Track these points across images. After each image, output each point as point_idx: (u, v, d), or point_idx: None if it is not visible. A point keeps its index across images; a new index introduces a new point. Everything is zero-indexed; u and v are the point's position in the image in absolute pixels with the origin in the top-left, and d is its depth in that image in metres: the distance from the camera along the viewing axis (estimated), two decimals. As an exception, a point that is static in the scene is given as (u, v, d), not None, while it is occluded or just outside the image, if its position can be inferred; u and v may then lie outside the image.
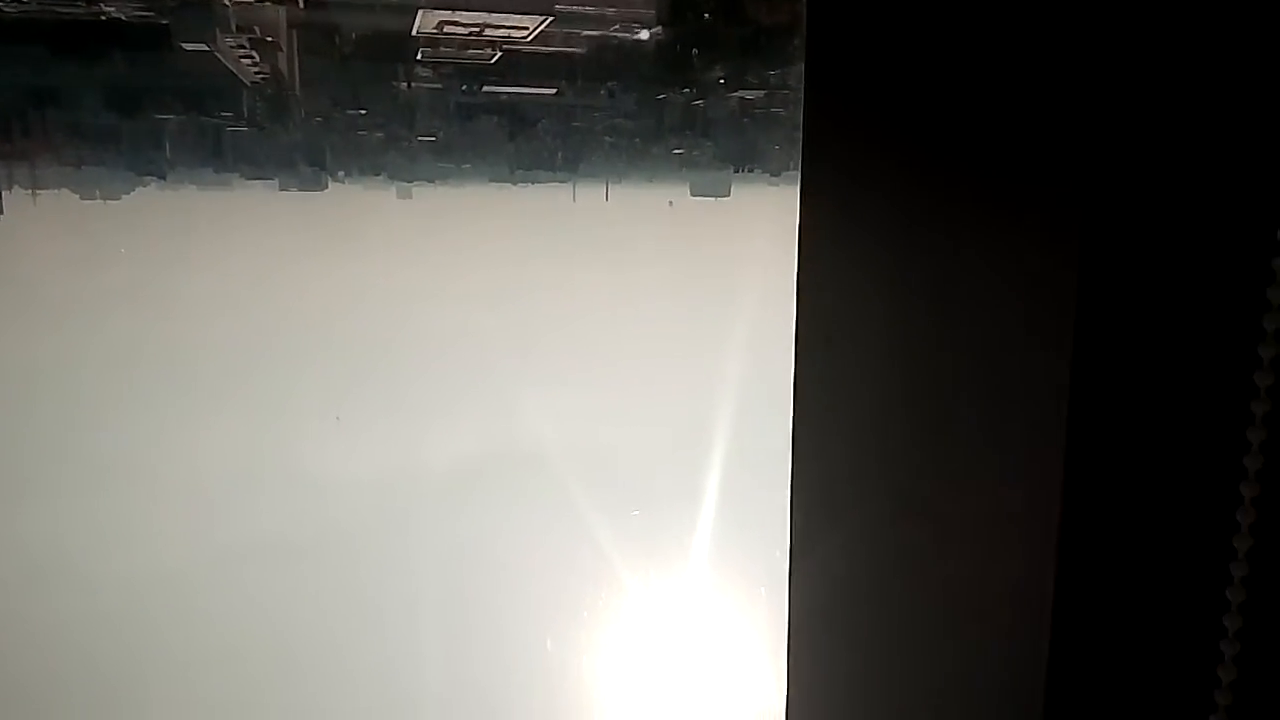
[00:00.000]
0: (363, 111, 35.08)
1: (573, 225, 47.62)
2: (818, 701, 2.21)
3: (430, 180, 41.63)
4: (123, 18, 26.14)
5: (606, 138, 37.66)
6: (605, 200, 44.27)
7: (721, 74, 31.10)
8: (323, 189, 38.87)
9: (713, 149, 37.96)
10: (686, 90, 32.58)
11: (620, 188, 44.40)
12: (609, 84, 32.49)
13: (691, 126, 35.47)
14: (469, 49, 29.75)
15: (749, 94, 32.26)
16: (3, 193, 35.22)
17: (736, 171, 39.19)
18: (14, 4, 24.07)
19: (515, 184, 42.79)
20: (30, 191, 36.46)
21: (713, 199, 41.20)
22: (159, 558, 33.93)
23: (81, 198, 38.23)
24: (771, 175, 39.48)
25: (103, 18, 25.92)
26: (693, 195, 41.45)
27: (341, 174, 39.24)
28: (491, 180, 42.62)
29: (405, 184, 41.80)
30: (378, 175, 40.62)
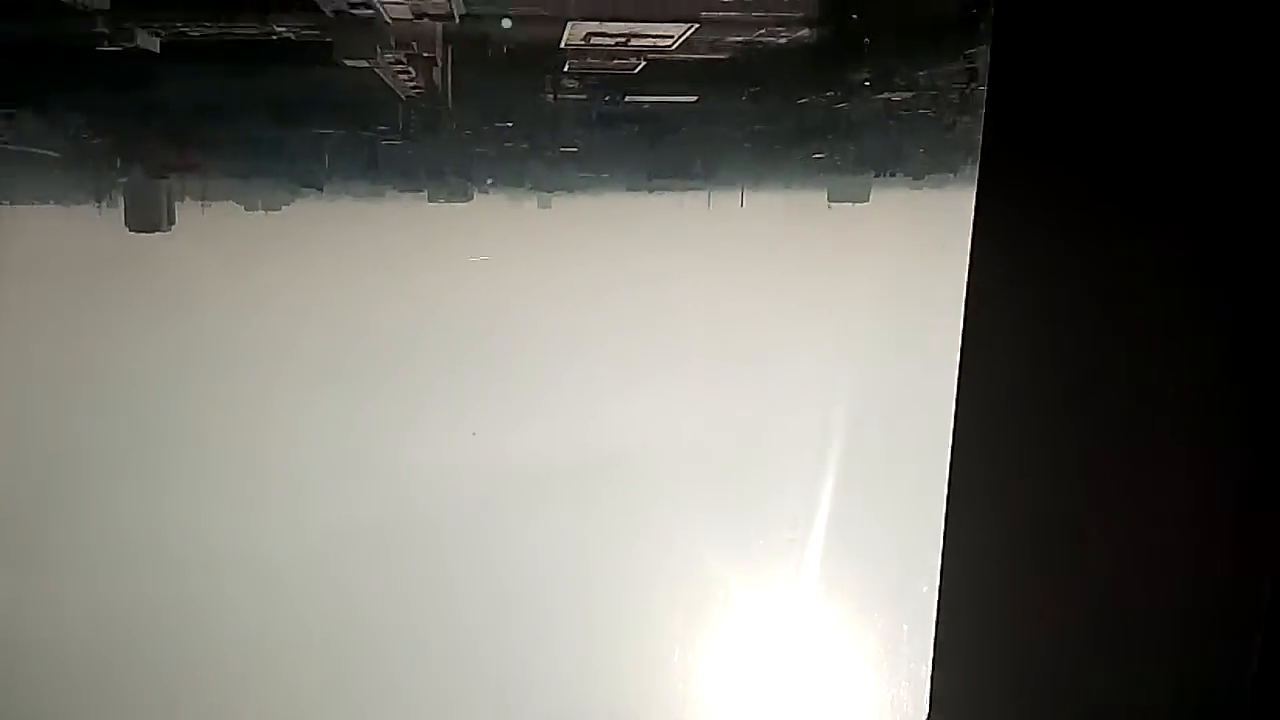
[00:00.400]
0: (509, 124, 36.06)
1: (707, 231, 47.80)
2: (970, 704, 2.17)
3: (570, 190, 42.44)
4: (292, 37, 27.62)
5: (745, 144, 37.63)
6: (740, 206, 44.25)
7: (867, 76, 30.73)
8: (469, 199, 40.11)
9: (854, 153, 37.48)
10: (830, 93, 32.30)
11: (756, 193, 44.28)
12: (751, 89, 32.48)
13: (833, 130, 35.09)
14: (614, 59, 30.26)
15: (895, 96, 31.75)
16: (175, 204, 37.61)
17: (878, 176, 38.57)
18: (198, 26, 25.68)
19: (651, 192, 43.22)
20: (200, 203, 38.83)
21: (851, 204, 40.68)
22: (282, 542, 35.54)
23: (246, 208, 40.51)
24: (914, 179, 38.69)
25: (274, 37, 27.45)
26: (831, 201, 40.98)
27: (488, 184, 40.43)
28: (628, 188, 43.16)
29: (546, 194, 42.74)
30: (521, 185, 41.64)
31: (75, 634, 30.55)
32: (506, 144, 37.41)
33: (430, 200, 40.12)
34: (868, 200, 40.38)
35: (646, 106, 35.18)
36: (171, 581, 33.00)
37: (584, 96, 33.32)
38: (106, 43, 24.47)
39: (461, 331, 46.57)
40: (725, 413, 43.81)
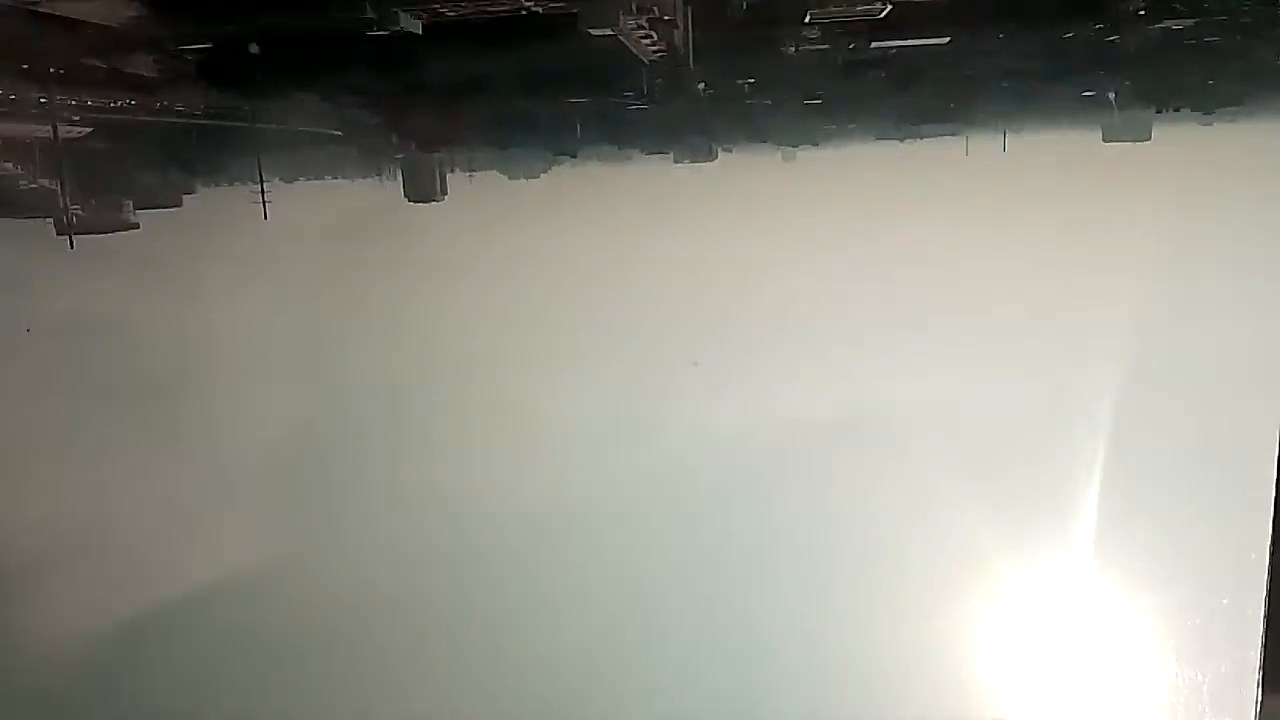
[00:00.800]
0: (751, 80, 35.76)
1: (965, 180, 45.15)
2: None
3: (815, 143, 41.55)
4: (540, 11, 28.77)
5: (1003, 83, 35.12)
6: (1002, 151, 41.47)
7: (1141, 4, 27.73)
8: (713, 159, 40.37)
9: (1130, 88, 34.04)
10: (1099, 26, 29.42)
11: (1019, 136, 41.29)
12: (1009, 25, 30.23)
13: (1104, 65, 31.98)
14: (859, 5, 29.15)
15: (1175, 24, 28.44)
16: (446, 176, 40.51)
17: (1159, 112, 34.91)
18: (455, 6, 27.36)
19: (902, 140, 41.42)
20: (468, 173, 41.60)
21: (1130, 144, 37.03)
22: (529, 499, 37.34)
23: (508, 177, 42.95)
24: (1203, 115, 34.68)
25: (523, 12, 28.72)
26: (1105, 140, 37.51)
27: (730, 143, 40.45)
28: (877, 138, 41.61)
29: (790, 148, 42.12)
30: (764, 141, 41.27)
31: (359, 573, 34.13)
32: (748, 100, 37.15)
33: (675, 161, 40.73)
34: (1149, 138, 36.62)
35: (894, 51, 33.57)
36: (435, 532, 36.00)
37: (827, 46, 32.36)
38: (375, 27, 26.67)
39: (710, 291, 47.06)
40: (986, 378, 41.55)
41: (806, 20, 30.64)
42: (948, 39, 31.80)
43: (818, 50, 32.67)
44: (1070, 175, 44.64)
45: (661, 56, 32.12)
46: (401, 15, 26.65)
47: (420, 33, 27.84)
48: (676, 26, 30.31)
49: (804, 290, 46.36)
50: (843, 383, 41.68)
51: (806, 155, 42.25)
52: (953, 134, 40.48)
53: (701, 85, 35.24)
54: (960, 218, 46.75)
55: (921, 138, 40.47)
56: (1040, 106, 37.03)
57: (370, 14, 25.97)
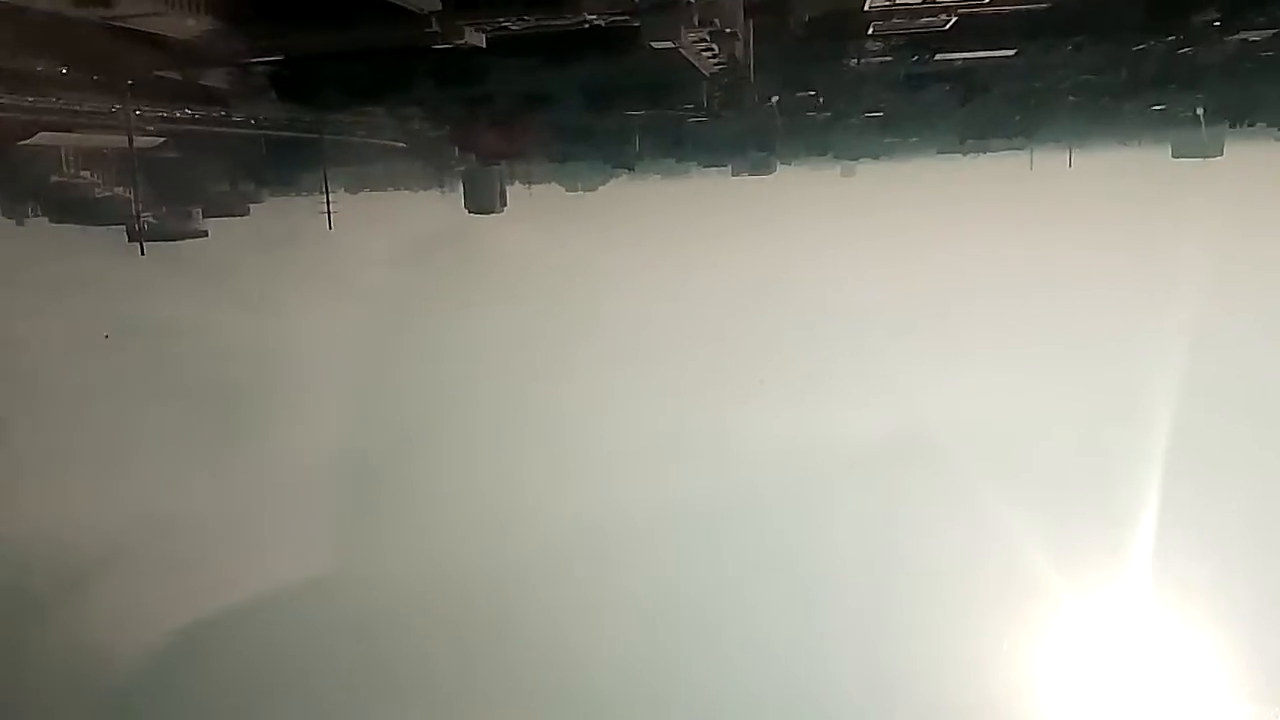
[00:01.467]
0: (812, 93, 35.54)
1: (1029, 196, 44.43)
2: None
3: (875, 156, 41.19)
4: (602, 24, 28.87)
5: (1070, 97, 34.46)
6: (1068, 166, 40.71)
7: (1216, 16, 27.01)
8: (771, 172, 40.22)
9: (1203, 103, 33.22)
10: (1171, 38, 28.72)
11: (1086, 151, 40.53)
12: (1077, 38, 29.64)
13: (1175, 79, 31.20)
14: (922, 16, 28.83)
15: (1254, 35, 27.64)
16: (506, 188, 40.90)
17: (1233, 127, 34.03)
18: (519, 20, 27.59)
19: (965, 154, 40.86)
20: (527, 185, 41.97)
21: (1201, 160, 36.17)
22: (583, 512, 37.24)
23: (566, 190, 43.26)
24: (1279, 130, 33.81)
25: (586, 25, 28.84)
26: (1175, 156, 36.71)
27: (789, 157, 40.27)
28: (939, 152, 41.10)
29: (850, 162, 41.83)
30: (824, 155, 41.04)
31: (417, 577, 34.33)
32: (809, 113, 36.92)
33: (733, 175, 40.67)
34: (1221, 155, 35.72)
35: (959, 64, 33.03)
36: (491, 537, 36.09)
37: (889, 58, 32.01)
38: (439, 41, 26.98)
39: (767, 306, 46.89)
40: (1049, 396, 40.70)
41: (869, 33, 30.40)
42: (1014, 51, 31.31)
43: (880, 63, 32.39)
44: (1138, 192, 43.69)
45: (722, 69, 32.06)
46: (466, 30, 26.93)
47: (484, 46, 28.12)
48: (738, 39, 30.23)
49: (863, 305, 45.95)
50: (904, 399, 41.17)
51: (867, 169, 41.96)
52: (1017, 149, 39.88)
53: (760, 98, 35.12)
54: (1024, 234, 46.05)
55: (985, 152, 39.91)
56: (1108, 121, 36.30)
57: (435, 28, 26.30)
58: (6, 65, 27.02)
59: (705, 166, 40.72)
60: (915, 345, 44.01)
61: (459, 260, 43.63)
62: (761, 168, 40.29)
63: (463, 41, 27.50)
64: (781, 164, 40.37)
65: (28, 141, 29.21)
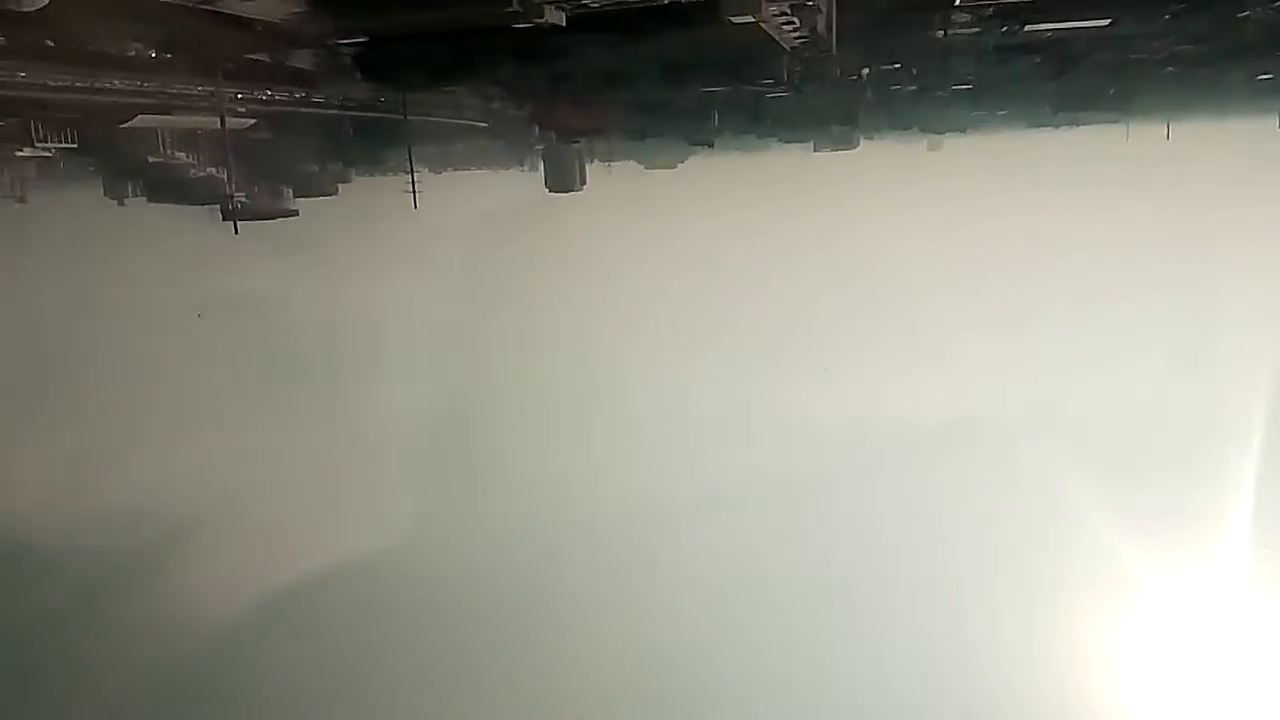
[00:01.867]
0: (896, 65, 34.75)
1: (1124, 170, 42.79)
2: None
3: (962, 130, 40.09)
4: (682, 1, 28.66)
5: (1169, 67, 32.99)
6: (1166, 139, 39.09)
7: (1328, -23, 25.56)
8: (854, 147, 39.49)
9: (1313, 71, 31.55)
10: (1276, 3, 27.26)
11: (1185, 124, 38.87)
12: (1176, 6, 28.34)
13: (1283, 45, 29.69)
14: (1012, -14, 27.98)
15: (1371, -3, 26.09)
16: (585, 166, 41.04)
17: (1346, 96, 32.26)
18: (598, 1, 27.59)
19: (1056, 127, 39.51)
20: (606, 163, 42.03)
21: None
22: (655, 489, 37.32)
23: (645, 167, 43.17)
24: (1402, 98, 31.90)
25: (665, 1, 28.67)
26: (1283, 128, 34.99)
27: (874, 130, 39.47)
28: (1030, 125, 39.82)
29: (937, 136, 40.79)
30: (909, 129, 40.12)
31: (495, 552, 35.04)
32: (893, 86, 36.12)
33: (816, 150, 40.02)
34: (1333, 125, 33.91)
35: (1050, 34, 31.83)
36: (568, 513, 36.57)
37: (977, 30, 31.07)
38: (520, 20, 27.13)
39: (848, 285, 46.22)
40: (1139, 375, 39.35)
41: (956, 3, 29.55)
42: (1108, 21, 30.11)
43: (968, 34, 31.46)
44: (1241, 165, 41.68)
45: (804, 43, 31.55)
46: (546, 8, 27.03)
47: (564, 25, 28.19)
48: (820, 11, 29.70)
49: (948, 284, 44.94)
50: (991, 378, 40.30)
51: (953, 143, 40.87)
52: (1112, 121, 38.40)
53: (843, 72, 34.50)
54: (1119, 209, 44.37)
55: (1078, 125, 38.53)
56: (1209, 92, 34.68)
57: (516, 7, 26.46)
58: (109, 50, 28.16)
59: (786, 142, 40.15)
60: (1007, 320, 43.01)
61: (540, 238, 44.03)
62: (844, 142, 39.57)
63: (543, 20, 27.62)
64: (865, 138, 39.60)
65: (127, 124, 30.46)
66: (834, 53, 32.00)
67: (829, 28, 30.75)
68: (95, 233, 35.55)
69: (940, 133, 40.73)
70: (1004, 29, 31.22)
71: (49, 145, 31.59)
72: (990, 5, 30.01)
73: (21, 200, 33.74)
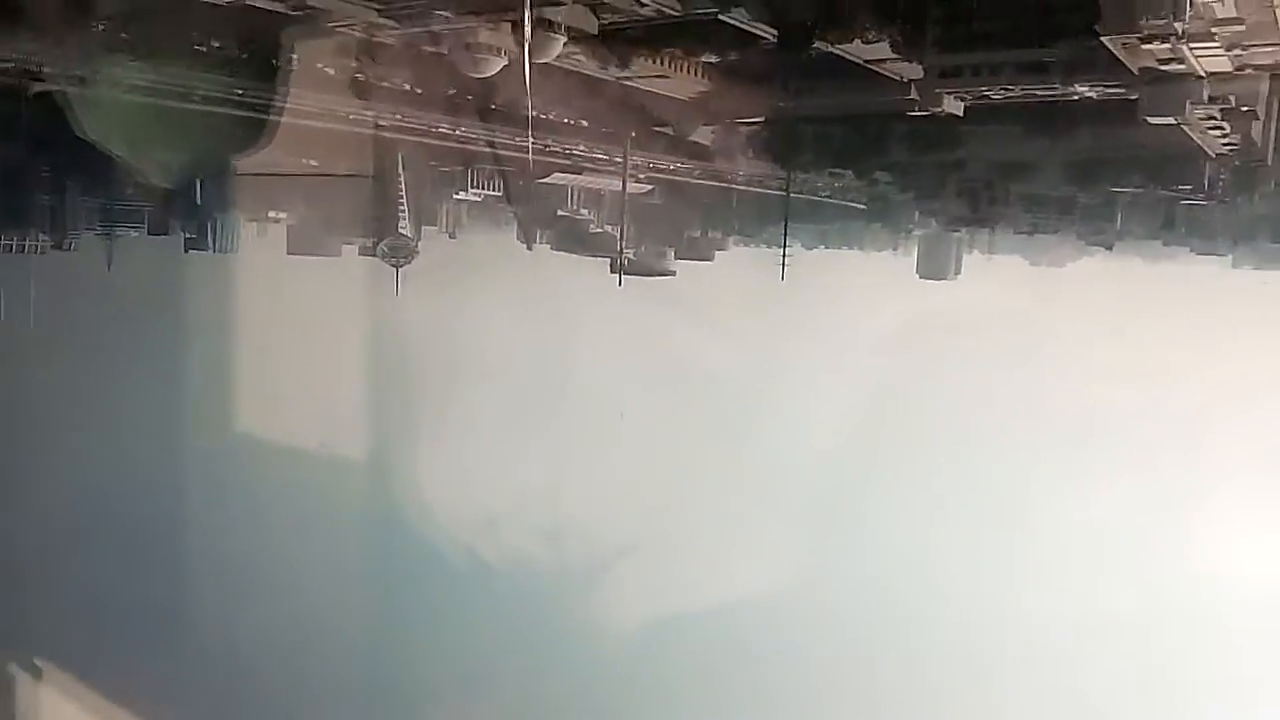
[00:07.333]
0: (1351, 181, 30.33)
1: None
2: None
3: None
4: (1094, 96, 27.15)
5: None
6: None
7: None
8: (1284, 267, 34.70)
9: None
10: None
11: None
12: None
13: None
14: None
15: None
16: (963, 255, 39.75)
17: None
18: (1001, 89, 26.89)
19: None
20: (987, 255, 40.38)
21: None
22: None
23: (1030, 263, 40.86)
24: None
25: (1075, 97, 27.31)
26: None
27: (1313, 252, 34.54)
28: None
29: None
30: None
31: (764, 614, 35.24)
32: (1342, 205, 31.33)
33: (1235, 266, 35.49)
34: None
35: None
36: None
37: None
38: (916, 108, 27.17)
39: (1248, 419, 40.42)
40: None
41: None
42: None
43: None
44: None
45: (1232, 150, 28.54)
46: (946, 97, 26.82)
47: (961, 114, 27.78)
48: (1257, 118, 26.75)
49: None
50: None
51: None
52: None
53: (1278, 184, 30.62)
54: None
55: None
56: None
57: (914, 95, 26.54)
58: (538, 115, 32.03)
59: (1198, 254, 36.14)
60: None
61: (904, 323, 43.12)
62: (1272, 260, 34.87)
63: (940, 109, 27.44)
64: (1300, 259, 34.68)
65: (544, 180, 34.40)
66: (1269, 163, 28.59)
67: (1265, 135, 27.57)
68: (507, 270, 40.20)
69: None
70: None
71: (480, 191, 36.53)
72: None
73: (452, 236, 39.10)
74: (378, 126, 32.09)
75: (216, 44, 28.23)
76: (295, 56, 28.45)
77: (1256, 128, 26.74)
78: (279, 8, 25.76)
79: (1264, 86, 25.42)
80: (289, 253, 36.78)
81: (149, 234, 35.06)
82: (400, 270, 36.23)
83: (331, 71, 29.66)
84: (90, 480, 34.59)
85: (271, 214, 36.28)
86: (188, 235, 35.53)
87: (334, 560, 36.66)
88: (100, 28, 26.58)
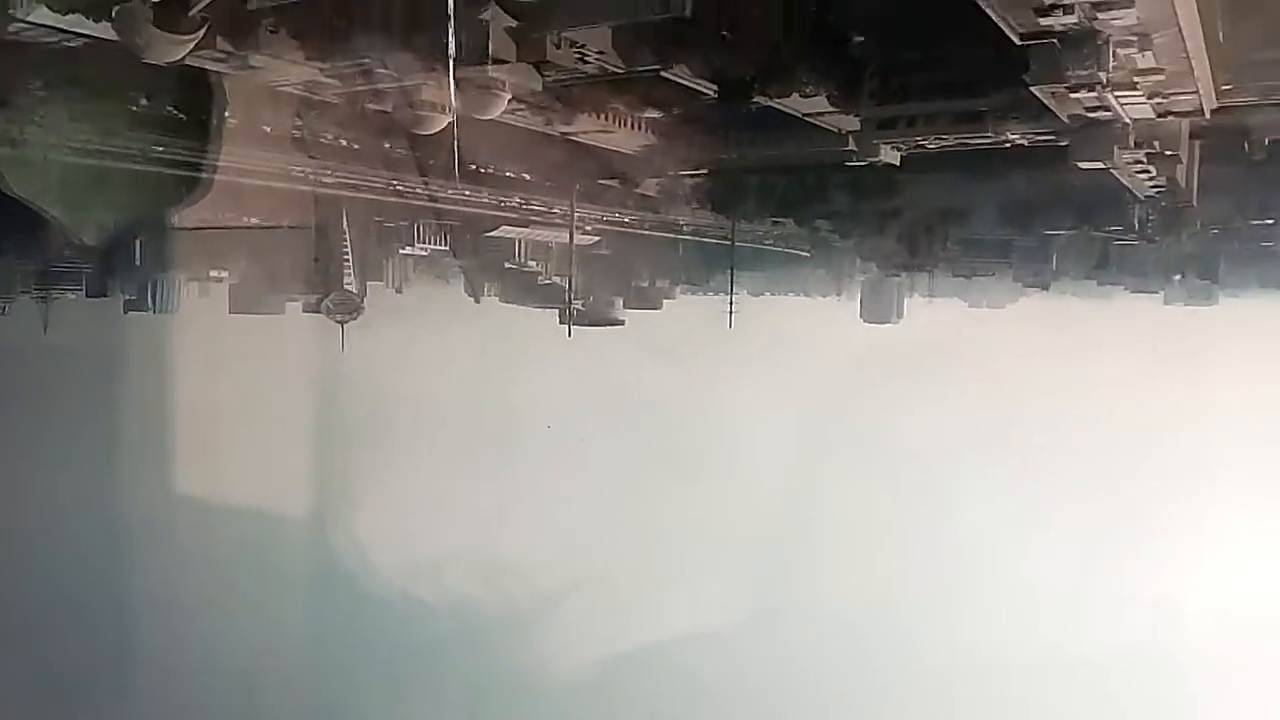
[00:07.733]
0: (1269, 219, 31.48)
1: None
2: None
3: (1343, 292, 35.25)
4: (1025, 143, 27.96)
5: None
6: None
7: None
8: (1212, 303, 35.81)
9: None
10: None
11: None
12: None
13: None
14: None
15: None
16: (905, 300, 40.49)
17: None
18: (936, 139, 27.59)
19: None
20: (927, 298, 41.15)
21: None
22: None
23: (969, 305, 41.72)
24: None
25: (1007, 145, 28.10)
26: None
27: (1235, 289, 35.70)
28: None
29: (1306, 298, 36.12)
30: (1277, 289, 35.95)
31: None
32: (1264, 243, 32.49)
33: (1166, 303, 36.62)
34: None
35: None
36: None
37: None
38: (854, 159, 27.77)
39: (1187, 453, 41.39)
40: None
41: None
42: None
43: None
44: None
45: (1159, 192, 29.53)
46: (882, 148, 27.43)
47: (898, 164, 28.42)
48: (1180, 161, 27.74)
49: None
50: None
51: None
52: None
53: (1204, 224, 31.73)
54: None
55: None
56: None
57: (852, 146, 27.13)
58: (483, 169, 32.17)
59: (1132, 291, 37.25)
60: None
61: (849, 367, 43.69)
62: (1200, 297, 36.03)
63: (878, 159, 28.03)
64: (1227, 296, 35.82)
65: (492, 233, 34.52)
66: (1194, 204, 29.64)
67: (1189, 178, 28.61)
68: (454, 323, 40.06)
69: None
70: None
71: (426, 246, 36.45)
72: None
73: (398, 290, 38.88)
74: (320, 183, 31.97)
75: (155, 101, 27.94)
76: (235, 114, 28.27)
77: (1180, 170, 27.71)
78: (221, 67, 25.62)
79: (1184, 130, 26.41)
80: (231, 311, 36.15)
81: (87, 296, 34.24)
82: (345, 326, 35.88)
83: (269, 129, 29.53)
84: (28, 547, 33.50)
85: (213, 273, 35.71)
86: (127, 296, 34.72)
87: (278, 616, 35.95)
88: (37, 89, 26.20)
